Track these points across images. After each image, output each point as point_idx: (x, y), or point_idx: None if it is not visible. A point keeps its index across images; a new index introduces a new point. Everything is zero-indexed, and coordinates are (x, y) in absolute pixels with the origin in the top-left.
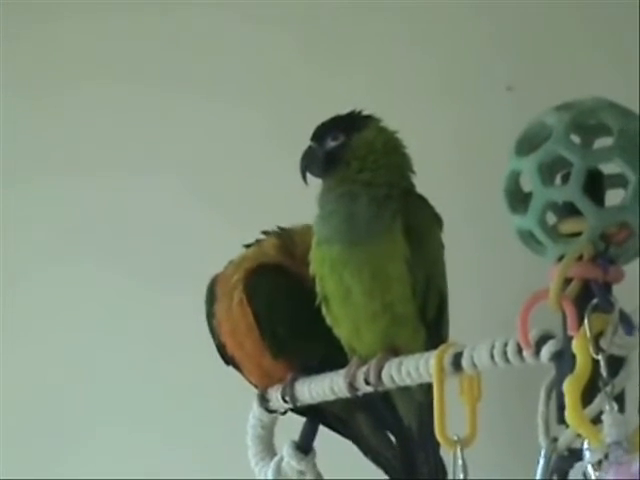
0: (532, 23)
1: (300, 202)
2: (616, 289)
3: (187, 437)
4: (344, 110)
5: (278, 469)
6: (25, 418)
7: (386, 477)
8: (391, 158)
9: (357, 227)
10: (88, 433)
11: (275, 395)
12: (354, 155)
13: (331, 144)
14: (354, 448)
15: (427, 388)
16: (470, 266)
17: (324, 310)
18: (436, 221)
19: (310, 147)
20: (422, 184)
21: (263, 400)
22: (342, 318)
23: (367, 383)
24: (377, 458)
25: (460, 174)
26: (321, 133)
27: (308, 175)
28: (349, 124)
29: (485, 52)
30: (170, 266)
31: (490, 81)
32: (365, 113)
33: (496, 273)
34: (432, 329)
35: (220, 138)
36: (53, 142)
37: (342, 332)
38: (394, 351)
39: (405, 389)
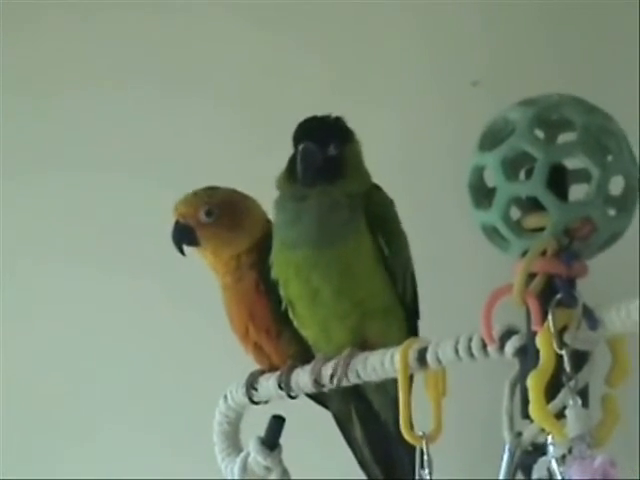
0: (502, 17)
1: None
2: (580, 283)
3: (161, 431)
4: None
5: (244, 465)
6: (20, 416)
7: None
8: (366, 170)
9: (324, 232)
10: (84, 432)
11: (266, 384)
12: (350, 168)
13: (333, 152)
14: (322, 443)
15: None
16: (434, 262)
17: (290, 313)
18: (392, 204)
19: (310, 147)
20: (385, 179)
21: (250, 389)
22: (309, 319)
23: (332, 379)
24: (368, 471)
25: (423, 169)
26: (323, 136)
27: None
28: (343, 133)
29: (451, 46)
30: (165, 265)
31: (456, 76)
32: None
33: (460, 268)
34: (410, 313)
35: (200, 135)
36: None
37: (309, 333)
38: (362, 346)
39: (379, 384)
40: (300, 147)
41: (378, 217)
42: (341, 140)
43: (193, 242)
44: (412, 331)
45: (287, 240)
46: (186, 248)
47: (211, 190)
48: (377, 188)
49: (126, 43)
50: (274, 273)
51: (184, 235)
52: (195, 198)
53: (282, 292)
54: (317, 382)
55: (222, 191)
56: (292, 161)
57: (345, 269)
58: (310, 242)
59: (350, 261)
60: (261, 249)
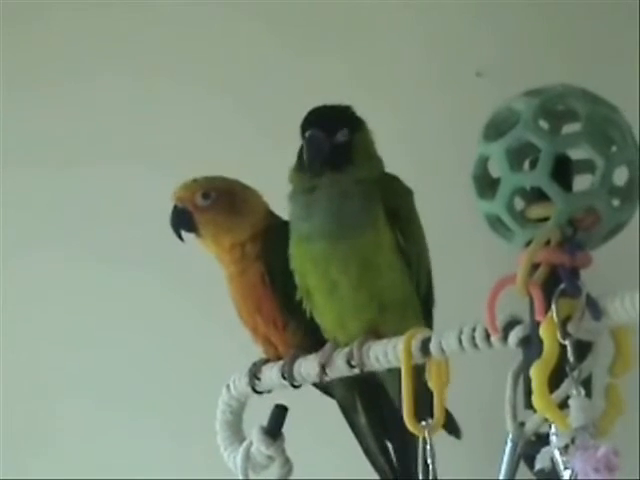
0: (506, 8)
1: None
2: (584, 274)
3: (163, 421)
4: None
5: (247, 454)
6: (20, 407)
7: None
8: (378, 159)
9: (341, 223)
10: (84, 422)
11: (269, 373)
12: (358, 155)
13: (340, 139)
14: (325, 433)
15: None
16: (438, 252)
17: (306, 304)
18: (411, 195)
19: (316, 134)
20: (389, 170)
21: (253, 378)
22: (326, 310)
23: (350, 365)
24: (373, 460)
25: (427, 159)
26: (330, 123)
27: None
28: (352, 121)
29: (455, 37)
30: (154, 252)
31: (460, 66)
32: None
33: (464, 258)
34: (424, 304)
35: (201, 127)
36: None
37: (326, 323)
38: (376, 334)
39: (392, 370)
40: (306, 135)
41: (395, 207)
42: (349, 128)
43: (191, 227)
44: (427, 325)
45: (303, 233)
46: (190, 239)
47: (211, 177)
48: (395, 178)
49: (131, 39)
50: (292, 264)
51: (181, 219)
52: (193, 183)
53: (299, 283)
54: (324, 370)
55: (221, 178)
56: (301, 152)
57: (363, 261)
58: (326, 234)
59: (368, 253)
60: (265, 240)
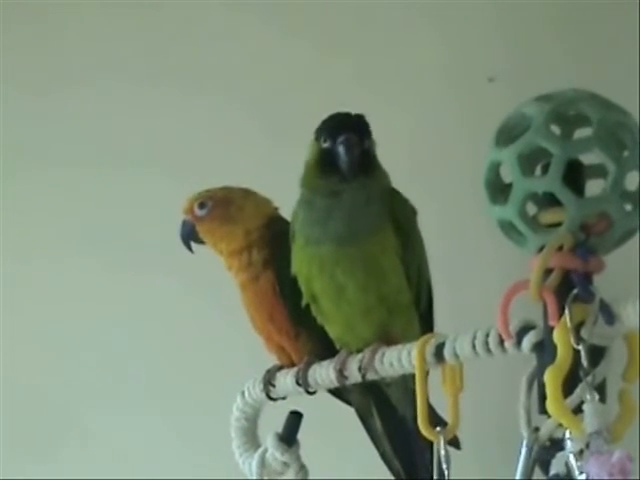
0: (518, 13)
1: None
2: (597, 279)
3: (178, 428)
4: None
5: (262, 461)
6: (30, 412)
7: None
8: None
9: (354, 227)
10: (99, 429)
11: (284, 380)
12: (378, 164)
13: (366, 145)
14: (339, 439)
15: None
16: (451, 257)
17: (313, 309)
18: (415, 213)
19: (353, 138)
20: (402, 175)
21: (268, 385)
22: (334, 315)
23: (360, 371)
24: (390, 464)
25: (439, 164)
26: (359, 129)
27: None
28: (369, 128)
29: (467, 43)
30: (167, 257)
31: (472, 72)
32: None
33: (477, 264)
34: (424, 319)
35: (208, 131)
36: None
37: (334, 329)
38: (387, 341)
39: (396, 379)
40: (342, 138)
41: (400, 220)
42: (368, 135)
43: (195, 238)
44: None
45: (312, 236)
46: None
47: (214, 188)
48: (398, 192)
49: (139, 39)
50: (294, 269)
51: (187, 231)
52: (195, 195)
53: (304, 289)
54: (341, 374)
55: (222, 188)
56: (323, 156)
57: (369, 264)
58: (336, 238)
59: (374, 256)
60: (274, 247)
